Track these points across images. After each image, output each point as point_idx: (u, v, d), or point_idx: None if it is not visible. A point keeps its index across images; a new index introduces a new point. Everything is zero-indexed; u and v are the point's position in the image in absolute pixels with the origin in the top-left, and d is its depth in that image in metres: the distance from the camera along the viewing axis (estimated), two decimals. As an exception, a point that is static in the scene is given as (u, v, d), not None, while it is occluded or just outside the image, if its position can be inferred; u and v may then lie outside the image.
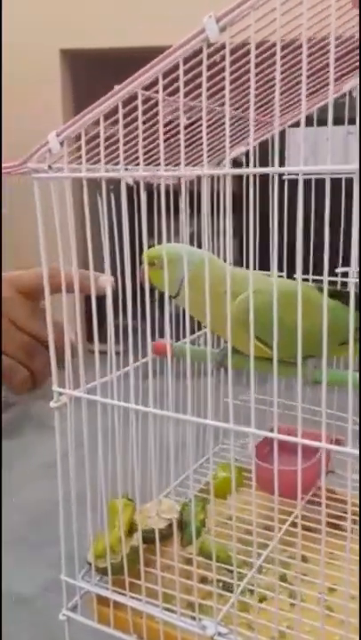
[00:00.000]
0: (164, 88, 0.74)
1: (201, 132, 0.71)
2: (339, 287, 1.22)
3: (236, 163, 1.18)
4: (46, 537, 2.36)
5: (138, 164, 0.77)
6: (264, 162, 0.91)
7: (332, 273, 1.21)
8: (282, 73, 0.92)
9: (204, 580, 0.98)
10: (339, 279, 1.20)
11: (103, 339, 0.86)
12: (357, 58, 0.97)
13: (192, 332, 1.25)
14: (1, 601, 2.44)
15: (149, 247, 0.95)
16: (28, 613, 2.47)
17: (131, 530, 0.94)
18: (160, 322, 0.89)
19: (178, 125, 0.90)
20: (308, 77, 0.95)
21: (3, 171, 0.80)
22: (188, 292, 0.93)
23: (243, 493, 1.18)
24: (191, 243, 1.10)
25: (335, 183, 0.99)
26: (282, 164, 0.72)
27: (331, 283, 1.18)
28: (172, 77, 0.72)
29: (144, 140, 0.76)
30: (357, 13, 0.79)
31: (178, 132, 0.91)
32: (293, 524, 1.08)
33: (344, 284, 1.22)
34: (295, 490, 1.07)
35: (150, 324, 0.85)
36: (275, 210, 0.71)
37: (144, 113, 0.75)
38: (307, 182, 1.16)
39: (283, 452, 0.87)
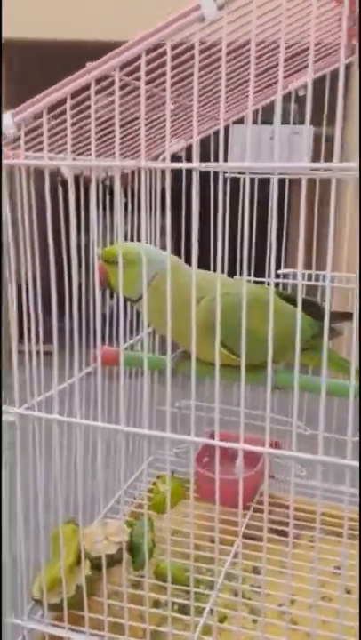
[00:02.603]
0: (132, 73, 0.67)
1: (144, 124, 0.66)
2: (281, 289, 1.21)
3: (174, 158, 1.13)
4: None
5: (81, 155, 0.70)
6: (204, 159, 0.87)
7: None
8: (231, 72, 0.89)
9: (156, 604, 0.92)
10: (292, 281, 1.19)
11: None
12: (302, 61, 0.96)
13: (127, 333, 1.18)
14: None
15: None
16: None
17: (79, 558, 0.85)
18: (87, 324, 0.82)
19: (131, 116, 0.83)
20: (256, 76, 0.92)
21: None
22: (151, 296, 0.86)
23: (186, 506, 1.13)
24: (126, 240, 1.03)
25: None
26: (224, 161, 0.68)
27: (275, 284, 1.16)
28: (136, 65, 0.66)
29: (97, 127, 0.69)
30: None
31: (126, 124, 0.85)
32: (244, 535, 1.05)
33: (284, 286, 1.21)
34: (244, 499, 1.04)
35: (82, 326, 0.78)
36: (218, 207, 0.67)
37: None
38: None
39: (223, 459, 0.83)
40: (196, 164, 0.65)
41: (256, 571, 1.00)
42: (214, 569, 0.98)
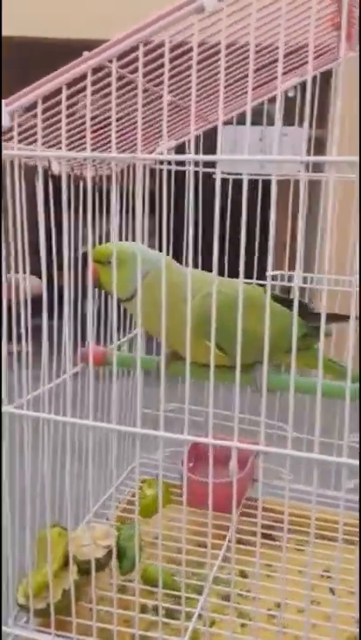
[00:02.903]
0: (126, 66, 0.66)
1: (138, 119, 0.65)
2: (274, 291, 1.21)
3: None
4: None
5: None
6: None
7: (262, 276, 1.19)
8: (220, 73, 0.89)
9: (143, 608, 0.90)
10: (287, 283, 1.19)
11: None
12: (292, 62, 0.96)
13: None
14: None
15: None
16: None
17: (65, 562, 0.83)
18: (75, 323, 0.80)
19: (122, 112, 0.82)
20: (245, 77, 0.92)
21: None
22: (144, 295, 0.85)
23: (172, 510, 1.11)
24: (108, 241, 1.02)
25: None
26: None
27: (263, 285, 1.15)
28: (131, 59, 0.65)
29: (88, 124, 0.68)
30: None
31: (117, 120, 0.84)
32: (230, 540, 1.03)
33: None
34: (230, 503, 1.03)
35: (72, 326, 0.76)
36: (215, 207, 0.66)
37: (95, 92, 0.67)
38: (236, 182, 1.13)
39: (206, 464, 0.82)
40: (191, 155, 0.64)
41: (244, 575, 0.99)
42: (202, 573, 0.97)
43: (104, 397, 1.02)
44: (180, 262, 0.98)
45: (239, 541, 1.06)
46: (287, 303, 0.96)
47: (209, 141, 1.09)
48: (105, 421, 0.74)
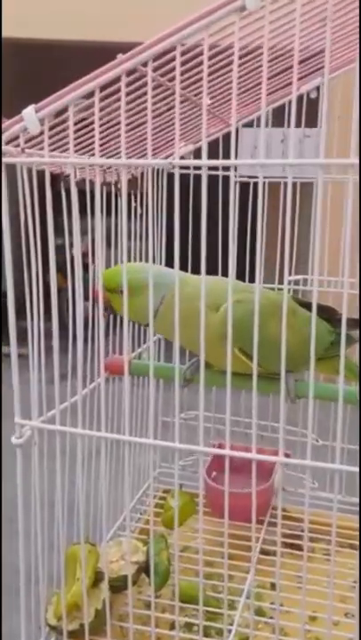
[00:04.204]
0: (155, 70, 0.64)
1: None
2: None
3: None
4: None
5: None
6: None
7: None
8: (242, 76, 0.88)
9: (172, 625, 0.88)
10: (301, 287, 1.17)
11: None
12: (313, 64, 0.95)
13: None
14: None
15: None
16: None
17: (96, 579, 0.80)
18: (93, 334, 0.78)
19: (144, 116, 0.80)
20: (267, 79, 0.91)
21: None
22: (163, 319, 0.82)
23: (196, 521, 1.08)
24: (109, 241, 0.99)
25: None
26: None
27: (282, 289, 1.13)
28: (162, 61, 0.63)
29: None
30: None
31: (139, 125, 0.82)
32: (260, 551, 1.01)
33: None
34: (256, 512, 1.01)
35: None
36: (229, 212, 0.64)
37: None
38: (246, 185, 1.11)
39: (232, 472, 0.80)
40: (204, 161, 0.62)
41: (274, 587, 0.97)
42: (232, 587, 0.94)
43: (131, 408, 1.00)
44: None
45: (266, 552, 1.04)
46: (310, 307, 0.94)
47: (227, 144, 1.07)
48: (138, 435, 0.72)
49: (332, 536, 0.70)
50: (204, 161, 0.60)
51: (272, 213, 1.01)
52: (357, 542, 1.04)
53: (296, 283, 1.14)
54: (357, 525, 1.04)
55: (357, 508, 1.13)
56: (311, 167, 0.64)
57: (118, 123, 0.81)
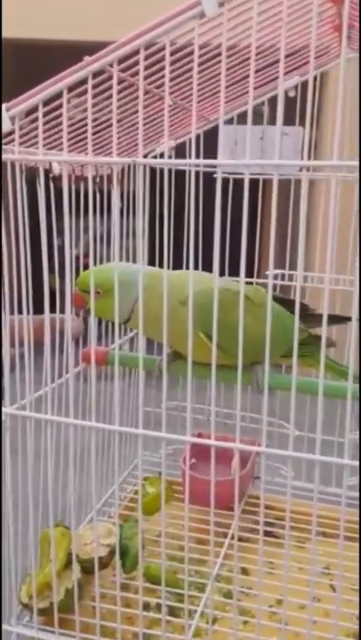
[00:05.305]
0: (126, 70, 0.67)
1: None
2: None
3: (162, 158, 1.12)
4: None
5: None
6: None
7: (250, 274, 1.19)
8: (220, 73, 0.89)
9: (146, 606, 0.91)
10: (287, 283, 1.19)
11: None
12: (292, 62, 0.97)
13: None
14: None
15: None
16: None
17: (68, 561, 0.84)
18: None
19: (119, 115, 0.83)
20: (245, 78, 0.93)
21: None
22: (141, 314, 0.85)
23: (172, 508, 1.12)
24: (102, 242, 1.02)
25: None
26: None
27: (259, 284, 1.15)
28: (131, 62, 0.66)
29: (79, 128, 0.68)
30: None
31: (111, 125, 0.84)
32: (232, 537, 1.04)
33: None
34: (231, 500, 1.03)
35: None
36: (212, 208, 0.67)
37: (93, 96, 0.67)
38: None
39: (208, 461, 0.83)
40: (193, 159, 0.64)
41: (245, 572, 1.00)
42: (203, 571, 0.98)
43: (105, 398, 1.02)
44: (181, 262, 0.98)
45: (239, 539, 1.07)
46: (285, 303, 0.96)
47: (210, 139, 1.09)
48: (106, 422, 0.75)
49: (313, 525, 0.72)
50: (166, 160, 0.62)
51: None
52: (330, 531, 1.06)
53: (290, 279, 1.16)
54: (329, 514, 1.07)
55: (331, 498, 1.16)
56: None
57: (105, 121, 0.83)
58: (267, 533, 1.07)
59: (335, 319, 1.03)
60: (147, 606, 0.90)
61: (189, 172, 0.64)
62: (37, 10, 2.95)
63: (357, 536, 0.98)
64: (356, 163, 0.56)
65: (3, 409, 0.74)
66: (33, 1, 2.94)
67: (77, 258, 0.89)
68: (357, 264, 0.60)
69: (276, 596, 0.93)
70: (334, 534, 1.05)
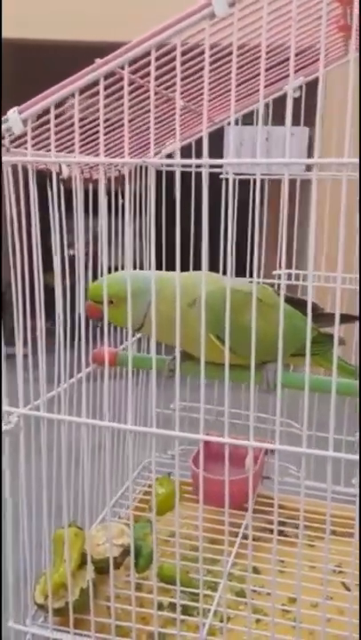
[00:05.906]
0: (135, 72, 0.67)
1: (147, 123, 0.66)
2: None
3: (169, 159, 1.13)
4: None
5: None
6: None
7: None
8: (229, 73, 0.90)
9: (159, 606, 0.91)
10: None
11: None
12: (298, 62, 0.97)
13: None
14: None
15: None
16: None
17: (82, 561, 0.84)
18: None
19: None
20: (252, 78, 0.93)
21: None
22: (153, 320, 0.86)
23: (182, 508, 1.12)
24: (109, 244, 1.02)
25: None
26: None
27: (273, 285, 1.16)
28: (141, 64, 0.66)
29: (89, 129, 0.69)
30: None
31: (121, 125, 0.85)
32: (244, 536, 1.04)
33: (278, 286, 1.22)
34: (242, 499, 1.03)
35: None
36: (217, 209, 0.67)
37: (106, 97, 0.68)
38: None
39: (216, 461, 0.83)
40: (206, 159, 0.65)
41: (256, 571, 1.00)
42: (216, 570, 0.98)
43: (115, 398, 1.03)
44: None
45: (252, 538, 1.07)
46: (294, 303, 0.97)
47: (212, 141, 1.09)
48: (116, 421, 0.75)
49: (327, 524, 0.72)
50: (178, 160, 0.63)
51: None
52: (341, 529, 1.07)
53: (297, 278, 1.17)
54: (339, 513, 1.07)
55: (342, 497, 1.16)
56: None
57: (113, 123, 0.84)
58: (278, 532, 1.07)
59: (343, 318, 1.03)
60: (160, 606, 0.91)
61: (197, 173, 0.64)
62: (37, 10, 2.96)
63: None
64: (357, 160, 0.57)
65: (16, 410, 0.74)
66: (33, 1, 2.95)
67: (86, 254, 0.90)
68: (358, 264, 0.61)
69: (288, 594, 0.93)
70: (345, 532, 1.05)
